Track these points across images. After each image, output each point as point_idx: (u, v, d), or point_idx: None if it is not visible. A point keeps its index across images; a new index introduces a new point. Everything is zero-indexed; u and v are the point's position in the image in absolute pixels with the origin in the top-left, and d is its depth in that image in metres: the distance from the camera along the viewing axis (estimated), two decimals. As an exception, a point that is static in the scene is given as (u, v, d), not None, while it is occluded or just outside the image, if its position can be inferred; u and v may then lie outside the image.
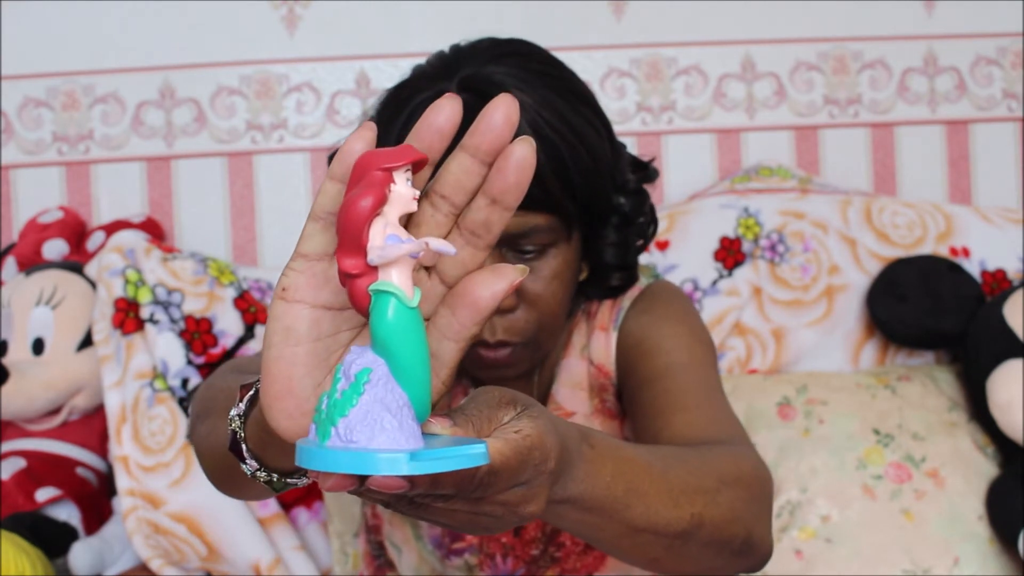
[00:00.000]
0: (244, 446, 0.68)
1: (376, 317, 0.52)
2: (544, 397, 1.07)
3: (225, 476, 0.77)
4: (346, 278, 0.53)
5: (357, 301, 0.53)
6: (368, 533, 1.21)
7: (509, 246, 0.94)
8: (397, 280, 0.52)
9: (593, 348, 1.06)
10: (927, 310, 1.54)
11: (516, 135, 0.83)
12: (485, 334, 0.95)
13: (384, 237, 0.52)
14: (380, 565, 1.20)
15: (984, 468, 1.46)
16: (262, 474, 0.69)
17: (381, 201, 0.52)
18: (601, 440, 0.67)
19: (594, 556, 1.08)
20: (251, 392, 0.69)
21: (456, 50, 0.99)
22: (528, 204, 0.90)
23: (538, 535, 1.06)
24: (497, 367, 0.98)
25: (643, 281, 1.09)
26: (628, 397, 1.03)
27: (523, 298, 0.96)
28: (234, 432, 0.69)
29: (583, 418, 1.06)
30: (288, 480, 0.69)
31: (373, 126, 0.55)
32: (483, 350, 0.97)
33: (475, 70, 0.94)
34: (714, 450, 0.84)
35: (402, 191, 0.52)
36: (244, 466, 0.69)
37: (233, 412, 0.69)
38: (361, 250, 0.52)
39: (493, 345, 0.96)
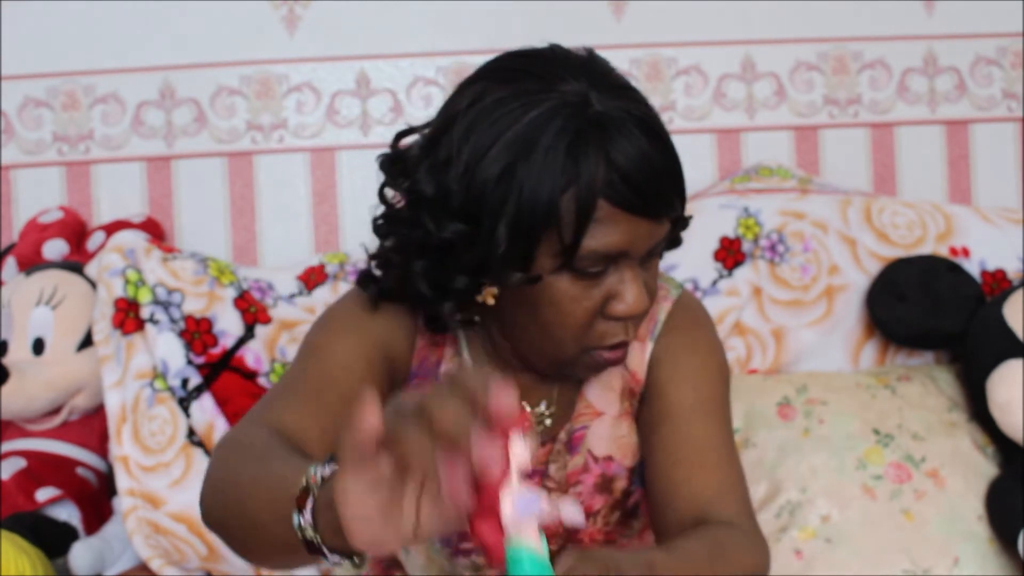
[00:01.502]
0: (324, 549, 0.71)
1: (514, 573, 0.61)
2: (573, 395, 1.07)
3: (263, 550, 0.80)
4: (482, 541, 0.62)
5: (493, 558, 0.62)
6: None
7: (649, 252, 0.95)
8: (527, 538, 0.61)
9: (630, 355, 1.06)
10: (927, 310, 1.54)
11: (650, 137, 0.89)
12: (620, 336, 0.96)
13: (513, 502, 0.60)
14: (388, 566, 1.20)
15: (984, 468, 1.46)
16: (346, 561, 0.72)
17: (507, 470, 0.60)
18: (661, 563, 0.81)
19: None
20: (312, 499, 0.71)
21: (555, 57, 0.95)
22: (669, 211, 0.94)
23: (557, 532, 1.06)
24: (614, 364, 0.99)
25: (672, 292, 1.10)
26: (648, 419, 1.05)
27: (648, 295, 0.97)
28: (309, 540, 0.71)
29: (611, 419, 1.06)
30: (367, 555, 0.73)
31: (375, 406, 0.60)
32: (607, 353, 0.97)
33: (610, 98, 0.91)
34: (732, 544, 0.94)
35: (519, 453, 0.61)
36: (326, 560, 0.72)
37: (301, 522, 0.71)
38: (496, 516, 0.61)
39: (620, 345, 0.97)
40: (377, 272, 1.02)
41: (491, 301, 0.95)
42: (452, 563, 1.10)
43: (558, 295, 0.91)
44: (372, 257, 1.01)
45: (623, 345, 0.97)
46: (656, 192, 0.91)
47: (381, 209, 1.00)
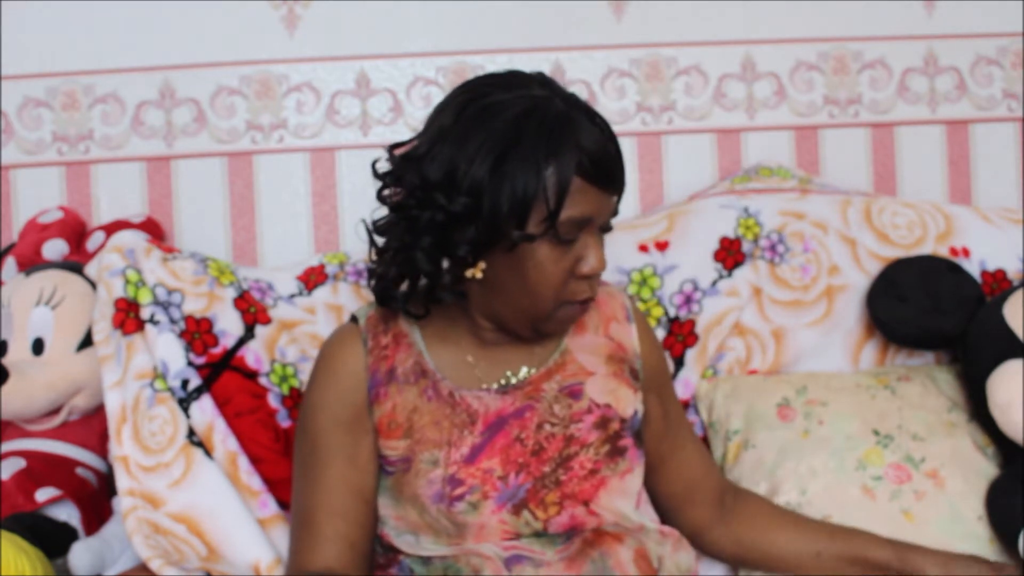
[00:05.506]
0: None
1: None
2: (563, 356, 1.28)
3: None
4: None
5: None
6: (378, 539, 1.26)
7: (604, 226, 1.20)
8: None
9: (613, 331, 1.31)
10: (927, 310, 1.54)
11: (603, 128, 1.18)
12: (587, 293, 1.20)
13: None
14: (389, 559, 1.22)
15: (984, 468, 1.46)
16: None
17: None
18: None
19: (591, 484, 1.22)
20: None
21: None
22: (622, 187, 1.20)
23: (554, 455, 1.22)
24: (579, 316, 1.25)
25: (615, 284, 1.41)
26: (667, 395, 1.37)
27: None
28: None
29: (602, 377, 1.28)
30: None
31: None
32: (575, 308, 1.21)
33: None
34: None
35: None
36: None
37: None
38: None
39: (586, 301, 1.21)
40: (377, 267, 1.25)
41: (479, 275, 1.17)
42: (450, 514, 1.17)
43: (541, 257, 1.15)
44: (377, 251, 1.24)
45: (589, 300, 1.21)
46: (614, 170, 1.18)
47: (381, 211, 1.22)
